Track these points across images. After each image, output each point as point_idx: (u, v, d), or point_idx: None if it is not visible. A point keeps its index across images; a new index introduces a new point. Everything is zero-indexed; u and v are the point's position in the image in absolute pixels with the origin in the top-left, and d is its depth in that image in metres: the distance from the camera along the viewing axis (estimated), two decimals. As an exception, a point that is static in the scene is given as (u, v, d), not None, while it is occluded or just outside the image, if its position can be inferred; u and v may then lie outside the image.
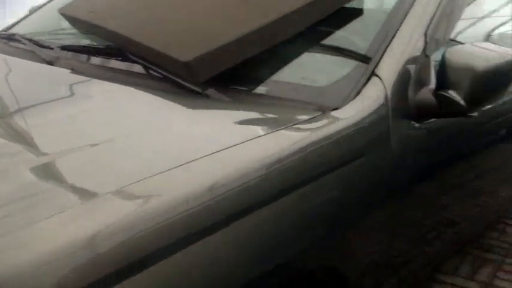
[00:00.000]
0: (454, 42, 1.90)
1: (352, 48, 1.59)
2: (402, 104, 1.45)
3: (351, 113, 1.34)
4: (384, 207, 1.46)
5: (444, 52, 1.45)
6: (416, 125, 1.50)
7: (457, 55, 1.42)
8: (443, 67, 1.44)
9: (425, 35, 1.54)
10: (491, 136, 2.05)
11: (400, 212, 1.54)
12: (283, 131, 1.22)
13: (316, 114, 1.32)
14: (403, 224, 1.60)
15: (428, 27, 1.56)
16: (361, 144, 1.35)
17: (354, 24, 1.65)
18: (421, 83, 1.50)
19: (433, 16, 1.59)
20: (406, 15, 1.56)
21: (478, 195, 2.12)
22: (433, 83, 1.51)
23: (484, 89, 1.43)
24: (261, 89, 1.48)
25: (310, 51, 1.61)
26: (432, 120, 1.55)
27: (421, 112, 1.49)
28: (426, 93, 1.48)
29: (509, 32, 2.38)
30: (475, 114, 1.48)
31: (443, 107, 1.45)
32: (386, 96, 1.41)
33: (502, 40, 2.35)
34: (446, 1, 1.64)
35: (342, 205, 1.31)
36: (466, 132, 1.80)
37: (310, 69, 1.55)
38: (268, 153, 1.12)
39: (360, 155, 1.34)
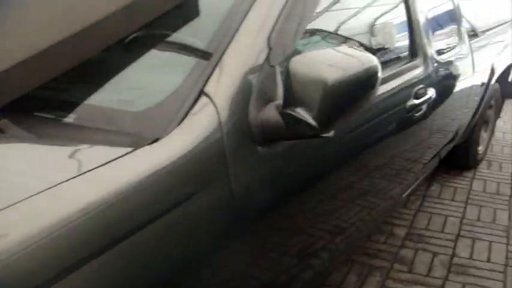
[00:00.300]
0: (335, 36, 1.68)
1: (177, 61, 1.30)
2: (241, 126, 1.19)
3: (173, 146, 1.08)
4: (245, 236, 1.25)
5: (289, 61, 1.19)
6: (261, 149, 1.24)
7: (304, 64, 1.16)
8: (289, 79, 1.18)
9: (269, 39, 1.28)
10: (369, 138, 1.83)
11: (270, 235, 1.36)
12: (83, 177, 0.96)
13: (128, 151, 1.03)
14: (277, 246, 1.42)
15: (272, 30, 1.30)
16: (189, 184, 1.08)
17: (183, 32, 1.35)
18: (265, 99, 1.24)
19: (279, 16, 1.33)
20: (244, 17, 1.28)
21: (362, 198, 1.93)
22: (280, 99, 1.25)
23: (338, 104, 1.17)
24: (69, 118, 1.19)
25: (128, 67, 1.30)
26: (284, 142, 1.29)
27: (267, 135, 1.23)
28: (271, 112, 1.22)
29: (392, 21, 2.19)
30: (330, 134, 1.23)
31: (291, 127, 1.20)
32: (219, 120, 1.13)
33: (384, 30, 2.15)
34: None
35: (185, 254, 1.09)
36: (331, 144, 1.56)
37: (128, 89, 1.25)
38: (64, 209, 0.88)
39: (188, 197, 1.07)
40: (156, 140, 1.07)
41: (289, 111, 1.18)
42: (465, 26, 2.99)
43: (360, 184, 1.89)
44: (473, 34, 3.17)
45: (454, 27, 2.84)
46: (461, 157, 3.64)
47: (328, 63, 1.15)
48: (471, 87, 2.98)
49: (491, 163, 3.97)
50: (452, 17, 2.85)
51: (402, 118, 2.02)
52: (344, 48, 1.22)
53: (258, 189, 1.25)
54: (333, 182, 1.66)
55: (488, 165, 3.92)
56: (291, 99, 1.19)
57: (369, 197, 2.03)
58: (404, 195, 2.53)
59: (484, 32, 3.32)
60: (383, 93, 1.80)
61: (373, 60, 1.21)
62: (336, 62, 1.16)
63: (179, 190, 1.06)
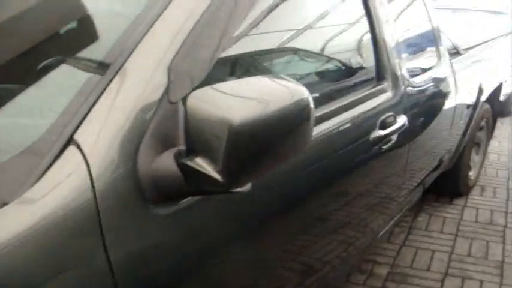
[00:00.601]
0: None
1: (47, 98, 1.04)
2: (125, 182, 0.92)
3: (23, 213, 0.81)
4: None
5: (187, 97, 0.93)
6: (156, 209, 0.97)
7: (204, 101, 0.90)
8: (187, 120, 0.93)
9: (170, 69, 1.02)
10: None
11: None
12: None
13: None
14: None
15: (174, 57, 1.04)
16: (43, 266, 0.82)
17: (56, 60, 1.09)
18: (162, 145, 0.98)
19: (184, 41, 1.07)
20: (137, 42, 1.03)
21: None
22: (181, 146, 0.99)
23: (254, 150, 0.91)
24: None
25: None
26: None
27: (163, 190, 0.96)
28: (167, 162, 0.96)
29: (348, 40, 1.94)
30: (244, 188, 0.97)
31: (190, 182, 0.94)
32: (89, 176, 0.87)
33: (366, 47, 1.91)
34: (208, 16, 1.13)
35: None
36: (269, 190, 1.29)
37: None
38: None
39: (42, 283, 0.81)
40: (2, 205, 0.81)
41: (187, 162, 0.92)
42: (445, 44, 2.73)
43: (324, 225, 1.63)
44: (456, 52, 2.92)
45: (432, 46, 2.58)
46: (450, 184, 3.36)
47: (238, 97, 0.89)
48: (455, 110, 2.72)
49: (485, 188, 3.69)
50: (430, 36, 2.59)
51: (367, 152, 1.75)
52: (262, 78, 0.96)
53: (153, 261, 0.98)
54: (277, 233, 1.39)
55: (481, 191, 3.64)
56: (193, 145, 0.93)
57: (336, 242, 1.77)
58: (381, 234, 2.26)
59: (467, 49, 3.07)
60: (337, 127, 1.52)
61: (303, 91, 0.95)
62: (251, 95, 0.90)
63: (28, 274, 0.80)
